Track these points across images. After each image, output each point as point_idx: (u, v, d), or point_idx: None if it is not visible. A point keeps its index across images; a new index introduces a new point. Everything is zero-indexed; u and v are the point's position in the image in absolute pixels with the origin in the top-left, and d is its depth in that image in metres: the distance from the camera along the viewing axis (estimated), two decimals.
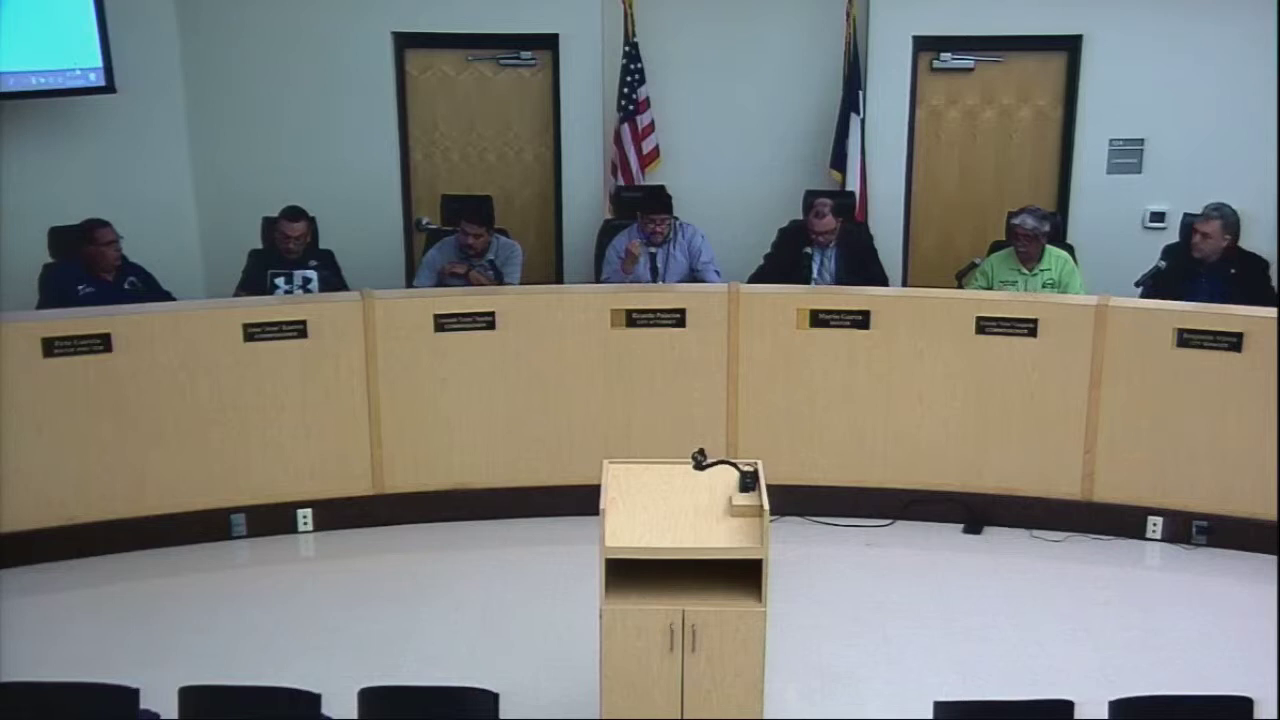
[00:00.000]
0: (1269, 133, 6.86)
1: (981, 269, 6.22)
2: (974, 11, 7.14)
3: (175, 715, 3.55)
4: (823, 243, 6.37)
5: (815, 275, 6.36)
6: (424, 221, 6.90)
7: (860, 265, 6.46)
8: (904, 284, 7.27)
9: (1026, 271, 6.12)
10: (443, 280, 6.26)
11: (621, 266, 6.32)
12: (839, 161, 7.21)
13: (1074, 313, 5.74)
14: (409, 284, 7.26)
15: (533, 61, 7.47)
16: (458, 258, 6.28)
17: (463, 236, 6.26)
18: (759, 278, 6.37)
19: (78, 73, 6.70)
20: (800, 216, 6.69)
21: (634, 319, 5.87)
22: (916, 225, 7.55)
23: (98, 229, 6.04)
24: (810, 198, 6.71)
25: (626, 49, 7.19)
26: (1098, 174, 7.27)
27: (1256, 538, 5.58)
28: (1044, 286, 6.08)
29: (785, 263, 6.44)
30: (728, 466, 4.20)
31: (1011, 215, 6.21)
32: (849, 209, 6.99)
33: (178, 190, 7.34)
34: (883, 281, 6.57)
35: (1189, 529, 5.73)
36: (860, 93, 7.13)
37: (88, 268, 6.05)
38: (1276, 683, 4.14)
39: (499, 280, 6.21)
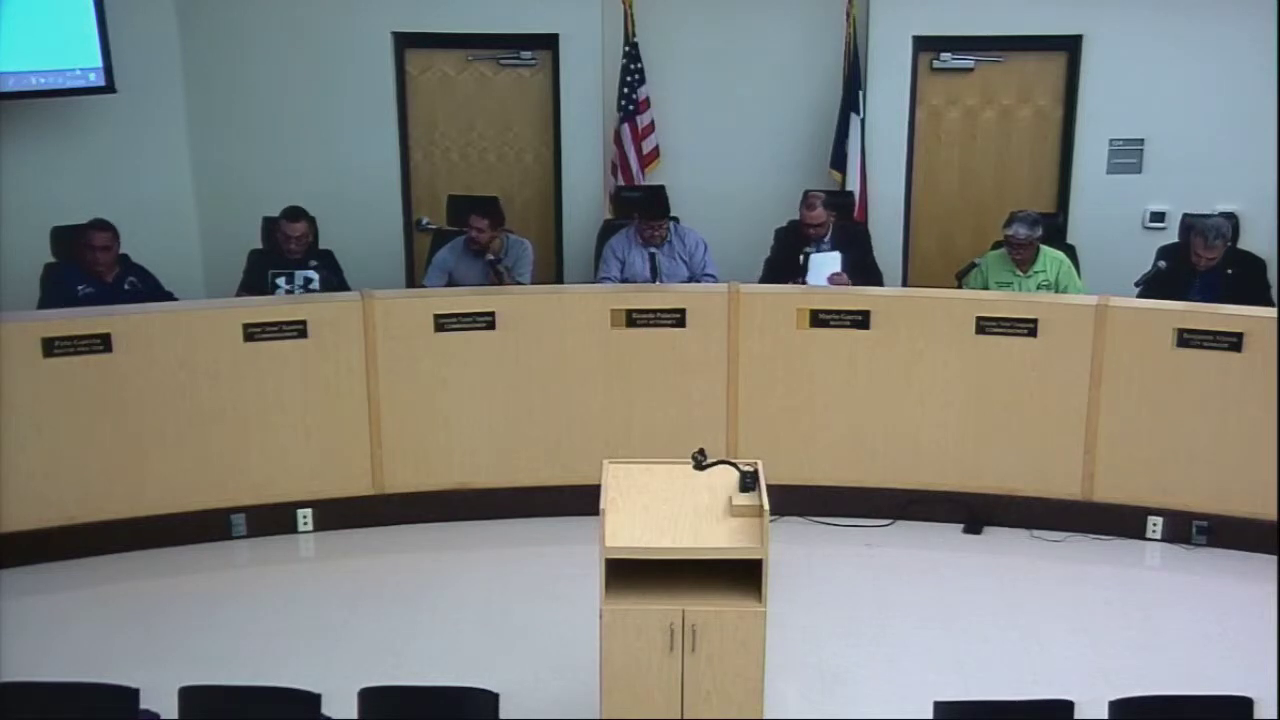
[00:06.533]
0: (1269, 133, 6.86)
1: (979, 268, 6.21)
2: (974, 11, 7.14)
3: (175, 715, 3.55)
4: (814, 235, 6.37)
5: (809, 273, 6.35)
6: (424, 221, 6.91)
7: (855, 262, 6.46)
8: (904, 284, 7.27)
9: (1021, 273, 6.12)
10: (454, 279, 6.27)
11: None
12: (839, 161, 7.22)
13: (1074, 313, 5.74)
14: (409, 284, 7.28)
15: (533, 61, 7.47)
16: (469, 255, 6.29)
17: (467, 229, 6.27)
18: (766, 280, 6.37)
19: (78, 73, 6.70)
20: (798, 216, 6.70)
21: (634, 319, 5.87)
22: (916, 225, 7.55)
23: (93, 231, 6.03)
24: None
25: (626, 49, 7.19)
26: (1098, 174, 7.26)
27: (1256, 538, 5.58)
28: (1039, 288, 6.08)
29: (786, 263, 6.45)
30: (728, 466, 4.20)
31: (1004, 224, 6.17)
32: (848, 209, 7.00)
33: (178, 190, 7.34)
34: (877, 276, 6.57)
35: (1189, 529, 5.73)
36: (860, 93, 7.13)
37: (84, 268, 6.05)
38: (1276, 683, 4.14)
39: (511, 281, 6.22)
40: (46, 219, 6.50)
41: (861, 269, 6.46)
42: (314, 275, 6.23)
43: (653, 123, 7.31)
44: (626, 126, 7.24)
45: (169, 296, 6.14)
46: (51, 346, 5.45)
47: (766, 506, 3.91)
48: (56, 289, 6.07)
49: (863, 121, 7.14)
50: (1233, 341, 5.52)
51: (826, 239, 6.41)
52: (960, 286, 6.21)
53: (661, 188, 6.95)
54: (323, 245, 6.53)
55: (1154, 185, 7.22)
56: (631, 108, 7.22)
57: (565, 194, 7.51)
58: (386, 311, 5.78)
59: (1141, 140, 7.20)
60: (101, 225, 6.06)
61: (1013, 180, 7.45)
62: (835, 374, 5.87)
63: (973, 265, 6.22)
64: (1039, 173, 7.44)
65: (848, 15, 7.07)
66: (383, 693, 3.61)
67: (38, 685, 3.66)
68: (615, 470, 4.22)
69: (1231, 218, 6.60)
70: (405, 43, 7.41)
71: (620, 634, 3.90)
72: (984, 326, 5.77)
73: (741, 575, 3.92)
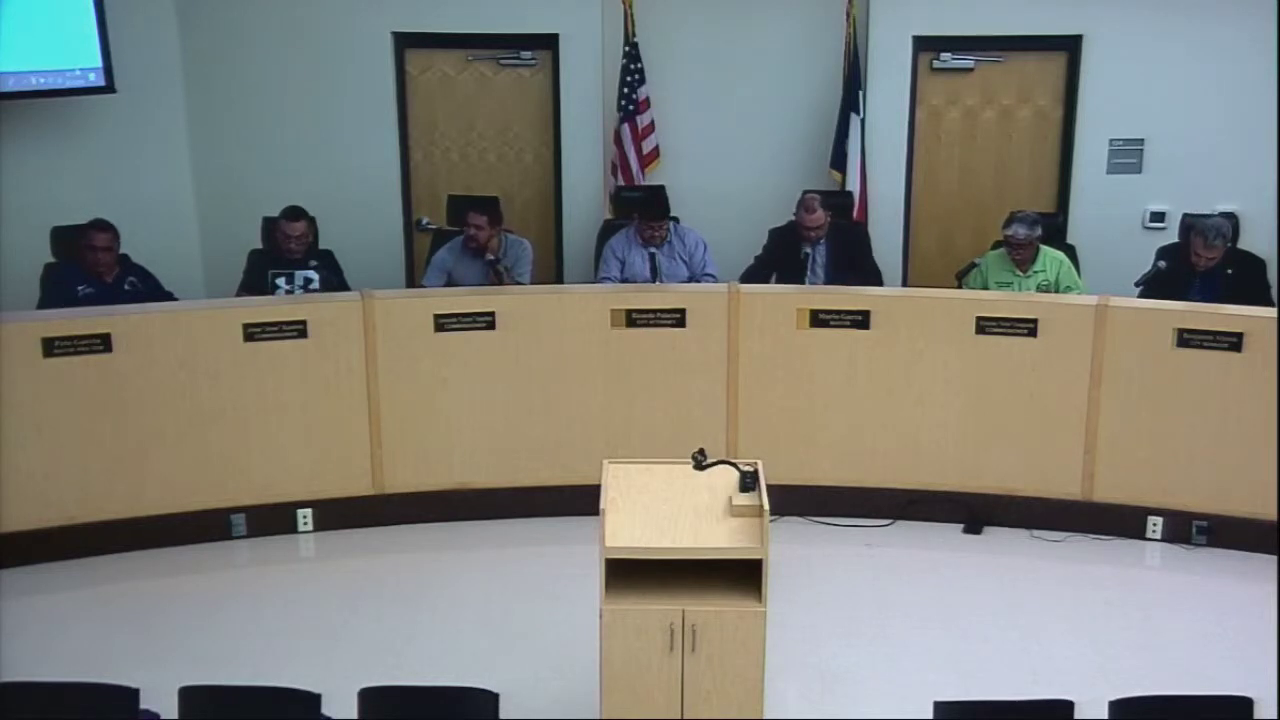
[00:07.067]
0: (1269, 133, 6.86)
1: (979, 268, 6.21)
2: (974, 11, 7.14)
3: (175, 715, 3.55)
4: (813, 237, 6.37)
5: (809, 273, 6.36)
6: (424, 221, 6.91)
7: (853, 261, 6.47)
8: (904, 284, 7.27)
9: (1021, 274, 6.13)
10: (453, 279, 6.27)
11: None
12: (839, 161, 7.22)
13: (1074, 313, 5.74)
14: (409, 284, 7.28)
15: (533, 61, 7.47)
16: (468, 255, 6.29)
17: (465, 228, 6.27)
18: (749, 278, 6.36)
19: (78, 73, 6.70)
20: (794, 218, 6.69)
21: (634, 319, 5.87)
22: (916, 225, 7.55)
23: (94, 231, 6.03)
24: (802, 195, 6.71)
25: (626, 49, 7.19)
26: (1098, 174, 7.26)
27: (1256, 538, 5.58)
28: (1039, 288, 6.08)
29: (778, 263, 6.45)
30: (728, 466, 4.20)
31: (1004, 225, 6.18)
32: (846, 209, 7.00)
33: (178, 190, 7.34)
34: (876, 275, 6.58)
35: (1189, 529, 5.73)
36: (860, 93, 7.13)
37: (84, 268, 6.05)
38: (1276, 683, 4.14)
39: (511, 281, 6.22)
40: (46, 219, 6.50)
41: (861, 269, 6.47)
42: (314, 275, 6.23)
43: (653, 123, 7.31)
44: (626, 126, 7.24)
45: (169, 296, 6.14)
46: (51, 346, 5.45)
47: (766, 506, 3.91)
48: (56, 289, 6.07)
49: (863, 121, 7.14)
50: (1233, 341, 5.52)
51: (821, 239, 6.41)
52: (960, 286, 6.21)
53: (661, 188, 6.95)
54: (323, 245, 6.53)
55: (1154, 185, 7.22)
56: (631, 108, 7.22)
57: (565, 194, 7.51)
58: (386, 311, 5.78)
59: (1141, 140, 7.20)
60: (102, 226, 6.06)
61: (1013, 180, 7.45)
62: (835, 374, 5.87)
63: (973, 265, 6.22)
64: (1039, 173, 7.44)
65: (848, 15, 7.07)
66: (383, 693, 3.61)
67: (38, 685, 3.66)
68: (615, 470, 4.22)
69: (1231, 218, 6.60)
70: (405, 43, 7.41)
71: (620, 634, 3.89)
72: (984, 326, 5.77)
73: (741, 575, 3.91)
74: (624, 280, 6.39)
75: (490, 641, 5.00)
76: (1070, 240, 6.94)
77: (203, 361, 5.63)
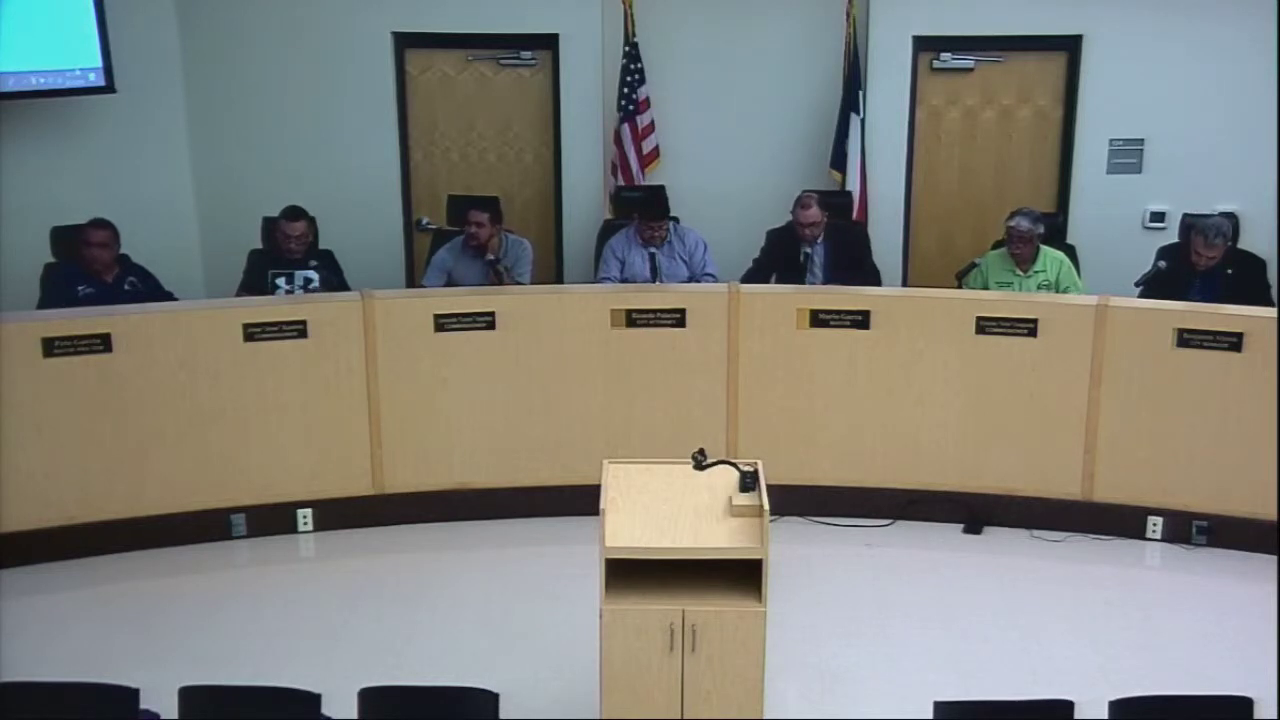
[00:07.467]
0: (1269, 133, 6.86)
1: (979, 268, 6.21)
2: (974, 11, 7.14)
3: (175, 715, 3.55)
4: (810, 236, 6.37)
5: (809, 273, 6.36)
6: (424, 221, 6.92)
7: (852, 262, 6.47)
8: (904, 284, 7.27)
9: (1021, 273, 6.13)
10: (453, 279, 6.27)
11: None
12: (839, 162, 7.22)
13: (1074, 313, 5.74)
14: (409, 284, 7.29)
15: (533, 61, 7.47)
16: (468, 255, 6.29)
17: (466, 226, 6.27)
18: (748, 282, 6.35)
19: (78, 73, 6.70)
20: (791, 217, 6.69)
21: (634, 319, 5.87)
22: (916, 225, 7.55)
23: (91, 229, 6.03)
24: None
25: (626, 49, 7.19)
26: (1098, 174, 7.27)
27: (1256, 538, 5.58)
28: (1039, 288, 6.09)
29: (776, 264, 6.45)
30: (728, 466, 4.20)
31: (1007, 218, 6.20)
32: (845, 209, 7.00)
33: (178, 190, 7.35)
34: (875, 276, 6.58)
35: (1189, 529, 5.73)
36: (860, 93, 7.13)
37: (83, 267, 6.05)
38: (1276, 683, 4.14)
39: (511, 281, 6.22)
40: (46, 219, 6.50)
41: (860, 269, 6.47)
42: (314, 275, 6.23)
43: (653, 123, 7.31)
44: (626, 126, 7.24)
45: (169, 296, 6.14)
46: (51, 346, 5.45)
47: (766, 506, 3.91)
48: (56, 289, 6.07)
49: (863, 121, 7.14)
50: (1233, 341, 5.52)
51: (819, 239, 6.41)
52: (960, 286, 6.21)
53: (661, 188, 6.95)
54: (323, 245, 6.53)
55: (1154, 185, 7.22)
56: (631, 108, 7.22)
57: (565, 194, 7.51)
58: (386, 311, 5.78)
59: (1141, 140, 7.20)
60: (100, 224, 6.07)
61: (1013, 180, 7.45)
62: (835, 374, 5.87)
63: (973, 265, 6.22)
64: (1039, 173, 7.44)
65: (848, 15, 7.07)
66: (383, 693, 3.61)
67: (38, 685, 3.66)
68: (615, 470, 4.22)
69: (1231, 217, 6.60)
70: (405, 43, 7.41)
71: (620, 634, 3.89)
72: (984, 326, 5.77)
73: (741, 575, 3.91)
74: (624, 280, 6.39)
75: (490, 641, 5.00)
76: (1070, 240, 6.94)
77: (203, 361, 5.63)
